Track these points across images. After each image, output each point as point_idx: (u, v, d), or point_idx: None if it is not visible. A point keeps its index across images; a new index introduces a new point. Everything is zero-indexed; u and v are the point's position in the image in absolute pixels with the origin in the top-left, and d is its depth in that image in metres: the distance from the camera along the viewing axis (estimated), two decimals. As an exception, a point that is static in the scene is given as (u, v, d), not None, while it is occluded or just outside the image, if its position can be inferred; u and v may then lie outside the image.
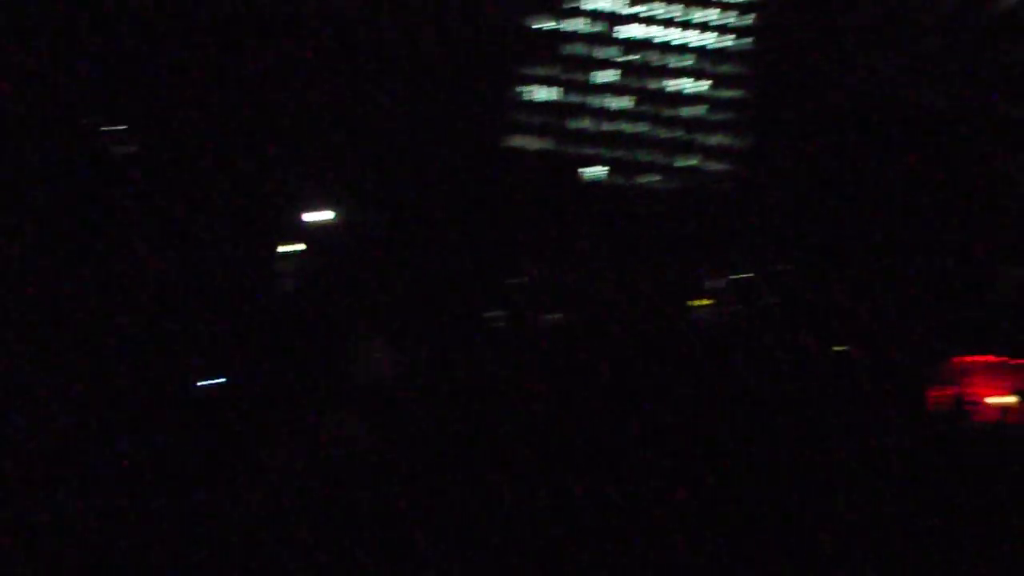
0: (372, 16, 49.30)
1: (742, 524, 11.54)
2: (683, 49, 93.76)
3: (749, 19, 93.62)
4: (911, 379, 31.19)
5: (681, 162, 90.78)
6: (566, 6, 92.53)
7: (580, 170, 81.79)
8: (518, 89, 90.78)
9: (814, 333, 40.47)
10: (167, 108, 32.65)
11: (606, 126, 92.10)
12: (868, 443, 18.65)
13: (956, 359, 36.72)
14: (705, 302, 57.78)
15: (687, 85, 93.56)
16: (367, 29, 48.33)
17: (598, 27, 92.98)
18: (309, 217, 33.16)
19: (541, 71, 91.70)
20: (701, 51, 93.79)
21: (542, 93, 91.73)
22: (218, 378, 17.76)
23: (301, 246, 32.07)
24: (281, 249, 32.21)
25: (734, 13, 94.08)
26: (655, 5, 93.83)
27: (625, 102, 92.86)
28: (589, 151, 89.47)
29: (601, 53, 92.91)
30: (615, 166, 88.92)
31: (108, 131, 31.80)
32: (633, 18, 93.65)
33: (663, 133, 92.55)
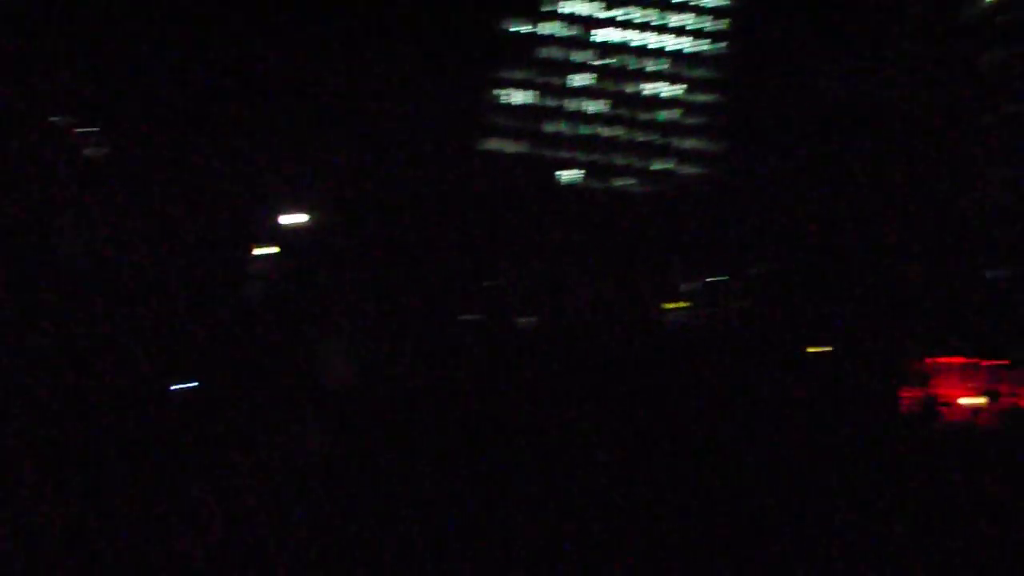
0: (349, 21, 49.20)
1: (714, 523, 11.57)
2: (658, 53, 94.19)
3: (723, 23, 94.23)
4: (884, 380, 31.45)
5: (656, 166, 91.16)
6: (543, 10, 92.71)
7: (556, 173, 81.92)
8: (495, 92, 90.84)
9: (788, 335, 40.75)
10: (140, 109, 32.42)
11: (582, 130, 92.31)
12: (842, 443, 18.79)
13: (928, 360, 37.12)
14: (681, 305, 58.00)
15: (662, 89, 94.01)
16: (344, 34, 48.23)
17: (574, 31, 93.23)
18: (283, 220, 33.03)
19: (518, 75, 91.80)
20: (676, 55, 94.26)
21: (518, 96, 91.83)
22: (190, 382, 17.58)
23: (275, 249, 31.93)
24: (255, 252, 32.04)
25: (708, 18, 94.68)
26: (630, 9, 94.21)
27: (601, 106, 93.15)
28: (565, 154, 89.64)
29: (577, 57, 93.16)
30: (591, 169, 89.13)
31: (81, 132, 31.53)
32: (609, 22, 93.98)
33: (638, 137, 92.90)
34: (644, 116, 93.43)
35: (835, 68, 60.09)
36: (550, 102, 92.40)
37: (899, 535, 11.94)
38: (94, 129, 32.50)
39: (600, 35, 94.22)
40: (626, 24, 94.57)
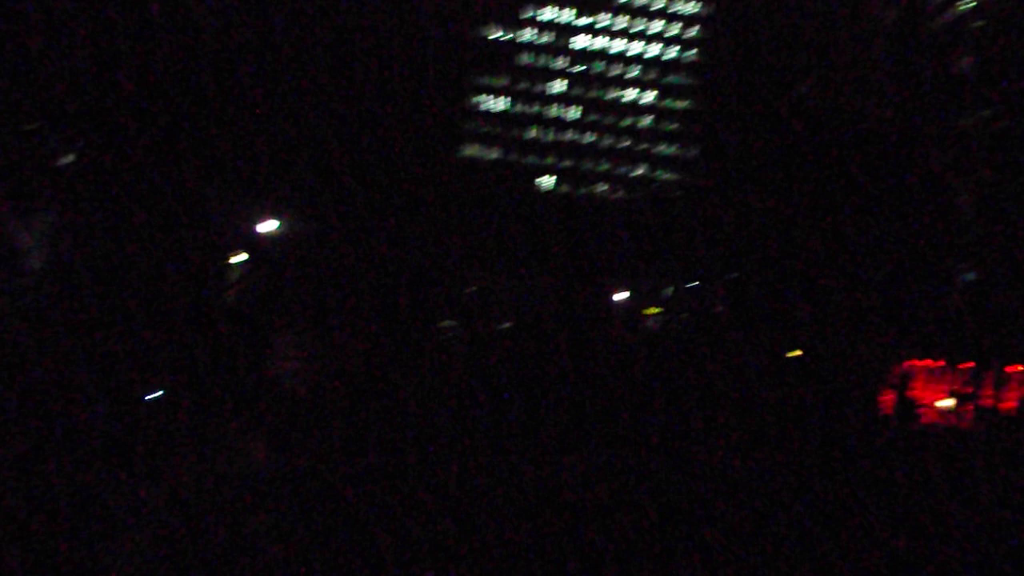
0: (325, 25, 48.95)
1: (694, 524, 11.49)
2: (633, 60, 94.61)
3: (697, 31, 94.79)
4: (861, 383, 31.59)
5: (631, 172, 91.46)
6: (520, 17, 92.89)
7: (534, 180, 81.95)
8: (473, 99, 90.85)
9: (765, 339, 40.84)
10: (109, 115, 32.02)
11: (558, 136, 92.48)
12: (821, 444, 18.80)
13: (904, 363, 37.37)
14: (656, 310, 58.08)
15: (637, 96, 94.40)
16: (319, 38, 47.98)
17: (551, 38, 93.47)
18: (255, 227, 32.71)
19: (495, 81, 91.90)
20: (651, 62, 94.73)
21: (496, 103, 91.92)
22: (157, 391, 17.25)
23: (244, 255, 31.61)
24: (225, 259, 31.71)
25: (683, 25, 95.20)
26: (606, 16, 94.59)
27: (577, 112, 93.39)
28: (542, 161, 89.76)
29: (554, 64, 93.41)
30: (567, 176, 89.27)
31: (50, 138, 31.11)
32: (585, 29, 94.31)
33: (614, 143, 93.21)
34: (620, 122, 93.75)
35: (808, 74, 60.48)
36: (527, 109, 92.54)
37: (878, 533, 11.92)
38: (63, 134, 32.11)
39: (576, 42, 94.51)
40: (602, 31, 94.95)
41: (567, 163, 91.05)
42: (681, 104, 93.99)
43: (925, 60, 54.61)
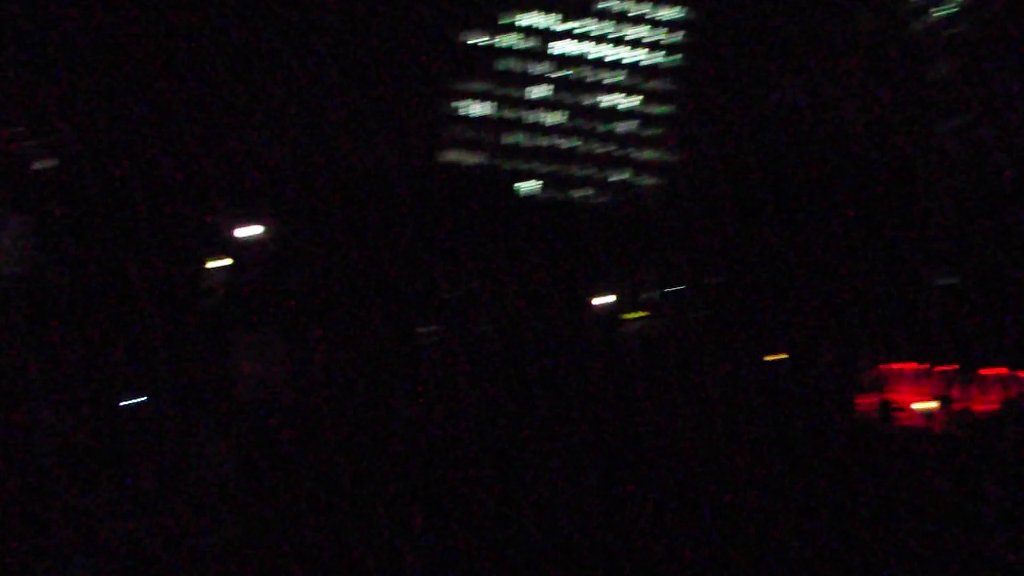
0: (305, 30, 48.82)
1: (677, 528, 11.48)
2: (615, 65, 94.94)
3: (678, 36, 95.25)
4: (841, 386, 31.77)
5: (613, 177, 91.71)
6: (501, 22, 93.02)
7: (515, 185, 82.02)
8: (453, 104, 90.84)
9: (746, 344, 41.01)
10: (89, 120, 31.80)
11: (540, 141, 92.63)
12: (801, 448, 18.87)
13: (883, 366, 37.65)
14: (639, 315, 58.16)
15: (619, 101, 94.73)
16: (299, 43, 47.85)
17: (532, 43, 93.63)
18: (237, 232, 32.55)
19: (476, 86, 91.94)
20: (632, 67, 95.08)
21: (477, 108, 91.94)
22: (139, 397, 17.09)
23: (228, 261, 31.43)
24: (208, 264, 31.52)
25: (664, 30, 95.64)
26: (588, 21, 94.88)
27: (558, 117, 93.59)
28: (523, 166, 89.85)
29: (535, 69, 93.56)
30: (549, 181, 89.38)
31: (28, 144, 30.83)
32: (567, 34, 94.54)
33: (596, 148, 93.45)
34: (601, 127, 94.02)
35: (788, 80, 60.89)
36: (508, 114, 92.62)
37: (858, 534, 11.97)
38: (42, 139, 31.83)
39: (558, 47, 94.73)
40: (583, 36, 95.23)
41: (548, 168, 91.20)
42: (662, 109, 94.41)
43: (902, 67, 55.08)
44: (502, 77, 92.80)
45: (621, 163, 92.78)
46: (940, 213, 45.06)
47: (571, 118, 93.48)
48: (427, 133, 76.05)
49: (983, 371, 35.80)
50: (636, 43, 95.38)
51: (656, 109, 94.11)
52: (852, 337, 38.16)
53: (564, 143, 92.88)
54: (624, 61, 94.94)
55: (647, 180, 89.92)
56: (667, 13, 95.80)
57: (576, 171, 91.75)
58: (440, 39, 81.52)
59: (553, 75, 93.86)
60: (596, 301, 53.37)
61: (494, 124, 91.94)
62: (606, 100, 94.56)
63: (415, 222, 47.49)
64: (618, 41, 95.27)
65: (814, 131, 49.36)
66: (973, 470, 18.64)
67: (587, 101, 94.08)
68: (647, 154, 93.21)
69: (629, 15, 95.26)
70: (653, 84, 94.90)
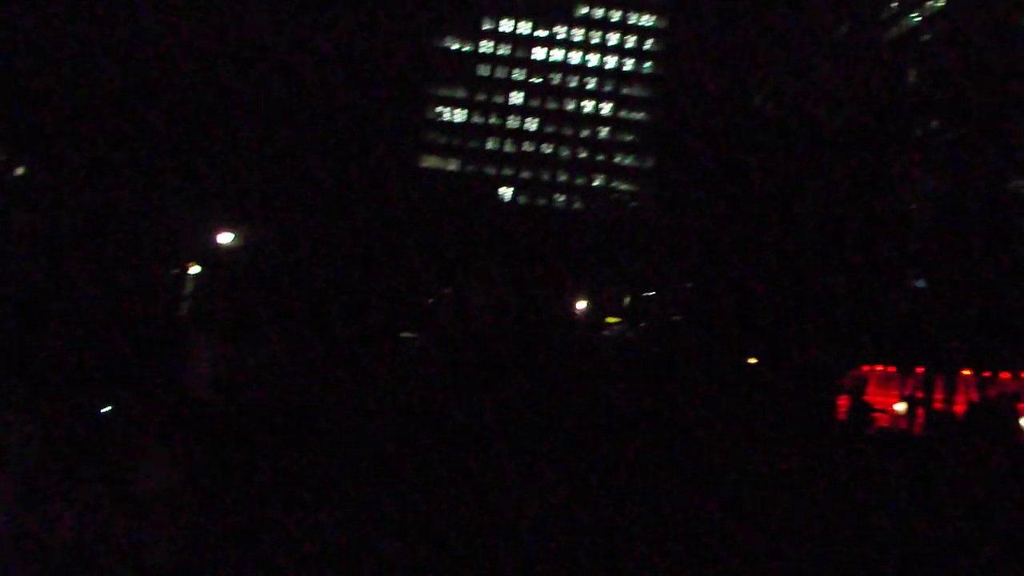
0: (285, 36, 48.69)
1: (656, 531, 11.51)
2: (591, 71, 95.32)
3: (653, 43, 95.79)
4: (818, 389, 31.92)
5: (590, 182, 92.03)
6: (481, 28, 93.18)
7: (493, 190, 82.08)
8: (434, 110, 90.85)
9: (722, 347, 41.18)
10: (61, 130, 31.54)
11: (517, 147, 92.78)
12: (777, 449, 18.97)
13: (859, 368, 37.91)
14: (615, 320, 58.39)
15: (595, 107, 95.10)
16: (279, 49, 47.72)
17: (511, 50, 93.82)
18: (214, 239, 32.40)
19: (455, 92, 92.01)
20: (608, 73, 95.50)
21: (457, 114, 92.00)
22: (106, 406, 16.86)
23: (197, 268, 31.24)
24: (181, 271, 31.34)
25: (641, 37, 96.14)
26: (566, 29, 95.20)
27: (536, 123, 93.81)
28: (501, 171, 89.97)
29: (514, 75, 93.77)
30: (526, 186, 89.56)
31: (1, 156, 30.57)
32: (546, 41, 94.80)
33: (572, 153, 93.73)
34: (578, 133, 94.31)
35: (763, 85, 61.33)
36: (487, 120, 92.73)
37: (833, 535, 12.04)
38: (14, 150, 31.58)
39: (536, 54, 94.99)
40: (561, 43, 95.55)
41: (526, 174, 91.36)
42: (639, 115, 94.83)
43: (877, 71, 55.60)
44: (480, 83, 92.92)
45: (598, 168, 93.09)
46: (914, 217, 45.49)
47: (548, 124, 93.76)
48: (407, 139, 75.97)
49: (957, 372, 36.15)
50: (613, 50, 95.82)
51: (632, 115, 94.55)
52: (827, 340, 38.41)
53: (542, 149, 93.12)
54: (601, 68, 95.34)
55: (624, 185, 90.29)
56: (643, 20, 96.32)
57: (553, 177, 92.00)
58: (420, 46, 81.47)
59: (531, 81, 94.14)
60: (575, 305, 53.51)
61: (472, 130, 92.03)
62: (583, 106, 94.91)
63: (393, 228, 47.40)
64: (595, 48, 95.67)
65: (789, 136, 49.73)
66: (946, 469, 18.82)
67: (564, 107, 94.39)
68: (624, 160, 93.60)
69: (606, 22, 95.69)
70: (630, 90, 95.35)
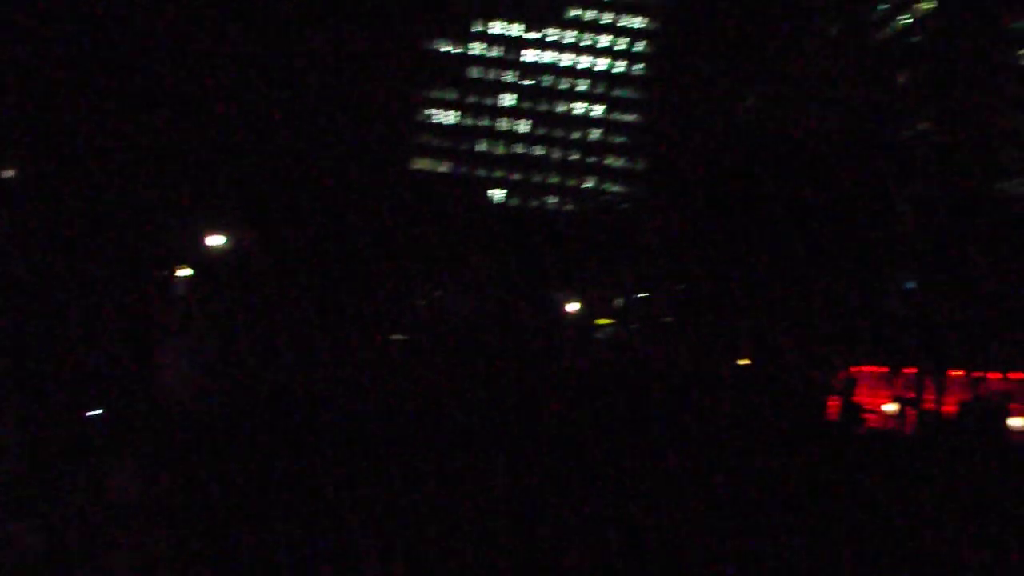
0: (274, 37, 48.57)
1: (648, 532, 11.45)
2: (582, 74, 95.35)
3: (643, 45, 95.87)
4: (810, 389, 31.97)
5: (580, 184, 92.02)
6: (472, 30, 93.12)
7: (484, 192, 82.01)
8: (424, 112, 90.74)
9: (713, 349, 41.22)
10: (51, 131, 31.33)
11: (508, 149, 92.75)
12: (768, 451, 18.97)
13: (851, 369, 37.99)
14: (607, 321, 58.39)
15: (585, 109, 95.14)
16: (268, 50, 47.59)
17: (502, 52, 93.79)
18: (205, 241, 32.22)
19: (446, 94, 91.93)
20: (598, 76, 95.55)
21: (447, 116, 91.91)
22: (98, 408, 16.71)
23: (188, 271, 31.07)
24: (172, 274, 31.16)
25: (631, 39, 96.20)
26: (557, 30, 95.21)
27: (526, 125, 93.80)
28: (492, 173, 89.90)
29: (505, 77, 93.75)
30: (517, 188, 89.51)
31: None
32: (536, 43, 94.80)
33: (563, 155, 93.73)
34: (569, 135, 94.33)
35: (753, 87, 61.43)
36: (478, 122, 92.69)
37: (823, 536, 12.02)
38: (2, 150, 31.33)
39: (527, 56, 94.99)
40: (552, 45, 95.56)
41: (517, 176, 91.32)
42: (629, 117, 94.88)
43: (866, 74, 55.75)
44: (471, 85, 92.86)
45: (589, 170, 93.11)
46: (903, 218, 45.60)
47: (539, 126, 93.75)
48: (398, 141, 75.86)
49: (947, 373, 36.23)
50: (603, 52, 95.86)
51: (623, 117, 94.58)
52: (818, 341, 38.46)
53: (532, 151, 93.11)
54: (592, 70, 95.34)
55: (614, 187, 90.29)
56: (633, 22, 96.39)
57: (544, 178, 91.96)
58: (410, 47, 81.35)
59: (522, 83, 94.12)
60: (565, 307, 53.46)
61: (463, 132, 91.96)
62: (574, 108, 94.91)
63: (384, 230, 47.32)
64: (586, 50, 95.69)
65: (779, 137, 49.82)
66: (937, 469, 18.83)
67: (555, 109, 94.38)
68: (614, 162, 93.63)
69: (596, 24, 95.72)
70: (620, 92, 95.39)
